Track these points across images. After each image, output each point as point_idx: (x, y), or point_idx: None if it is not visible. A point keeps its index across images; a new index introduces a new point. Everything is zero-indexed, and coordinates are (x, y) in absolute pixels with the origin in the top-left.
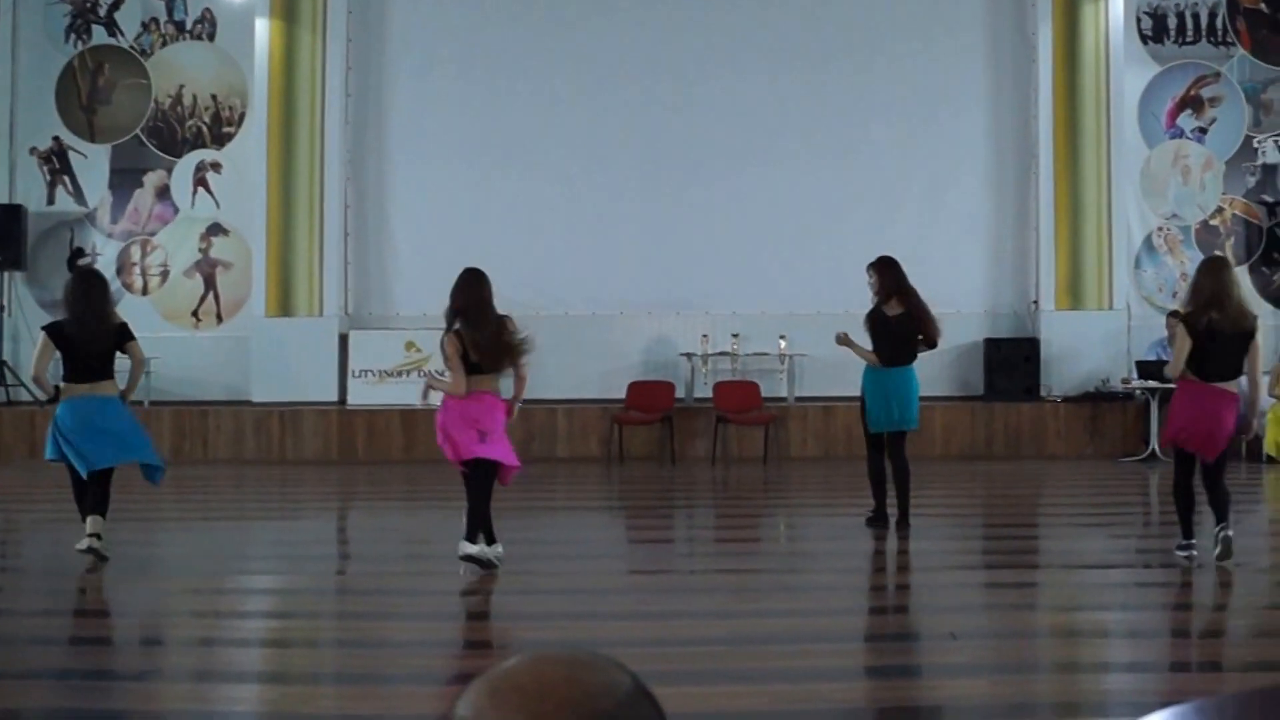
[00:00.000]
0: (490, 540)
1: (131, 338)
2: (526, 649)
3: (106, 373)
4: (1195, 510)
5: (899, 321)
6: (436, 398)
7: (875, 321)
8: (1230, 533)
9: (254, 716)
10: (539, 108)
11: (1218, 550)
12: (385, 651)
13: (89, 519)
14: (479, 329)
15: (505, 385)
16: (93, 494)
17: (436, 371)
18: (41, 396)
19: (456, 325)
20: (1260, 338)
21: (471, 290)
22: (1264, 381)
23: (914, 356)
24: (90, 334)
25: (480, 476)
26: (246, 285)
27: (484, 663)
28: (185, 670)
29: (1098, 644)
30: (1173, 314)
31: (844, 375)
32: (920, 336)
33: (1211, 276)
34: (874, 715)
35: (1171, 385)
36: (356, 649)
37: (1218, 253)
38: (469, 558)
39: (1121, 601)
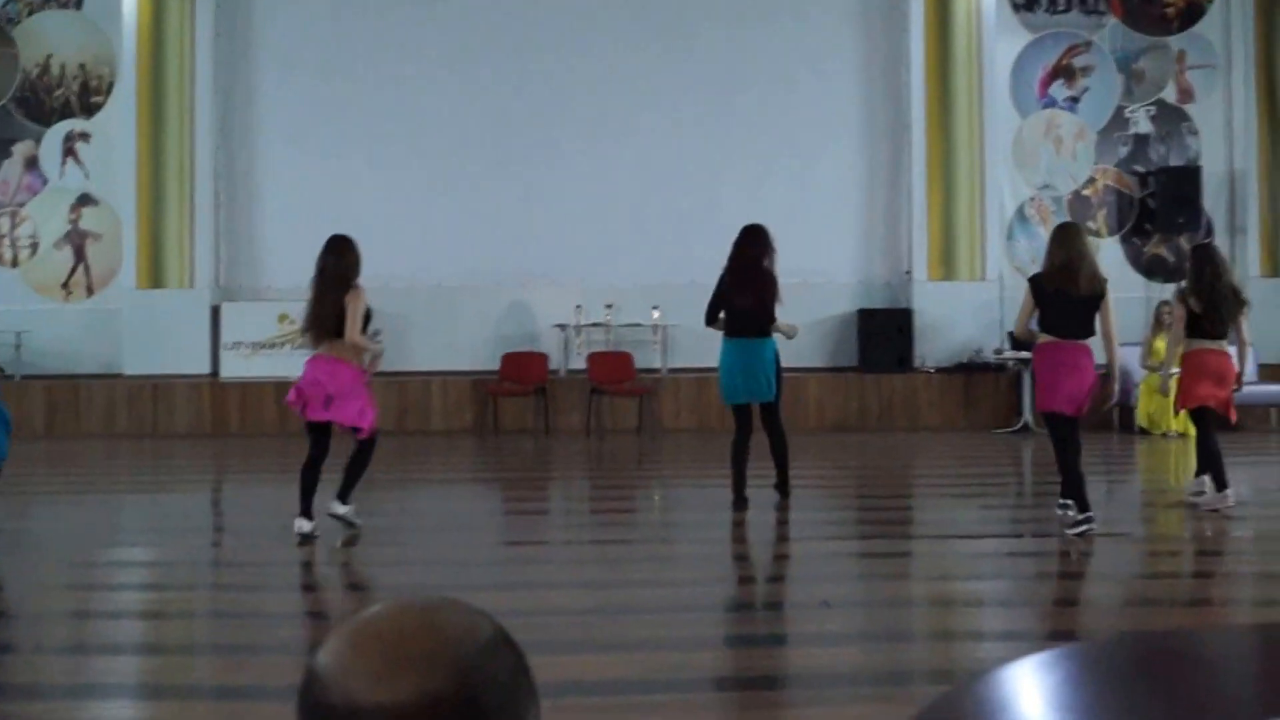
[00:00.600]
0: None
1: None
2: (386, 597)
3: None
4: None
5: (736, 287)
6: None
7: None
8: (1081, 528)
9: (130, 688)
10: (409, 77)
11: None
12: (259, 622)
13: None
14: (312, 292)
15: None
16: None
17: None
18: None
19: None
20: (1111, 299)
21: (321, 256)
22: (1120, 343)
23: (763, 330)
24: None
25: (319, 440)
26: (117, 257)
27: None
28: (60, 643)
29: (970, 613)
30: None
31: (717, 346)
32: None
33: (1064, 243)
34: (747, 683)
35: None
36: (231, 620)
37: (1069, 219)
38: (307, 535)
39: (994, 571)
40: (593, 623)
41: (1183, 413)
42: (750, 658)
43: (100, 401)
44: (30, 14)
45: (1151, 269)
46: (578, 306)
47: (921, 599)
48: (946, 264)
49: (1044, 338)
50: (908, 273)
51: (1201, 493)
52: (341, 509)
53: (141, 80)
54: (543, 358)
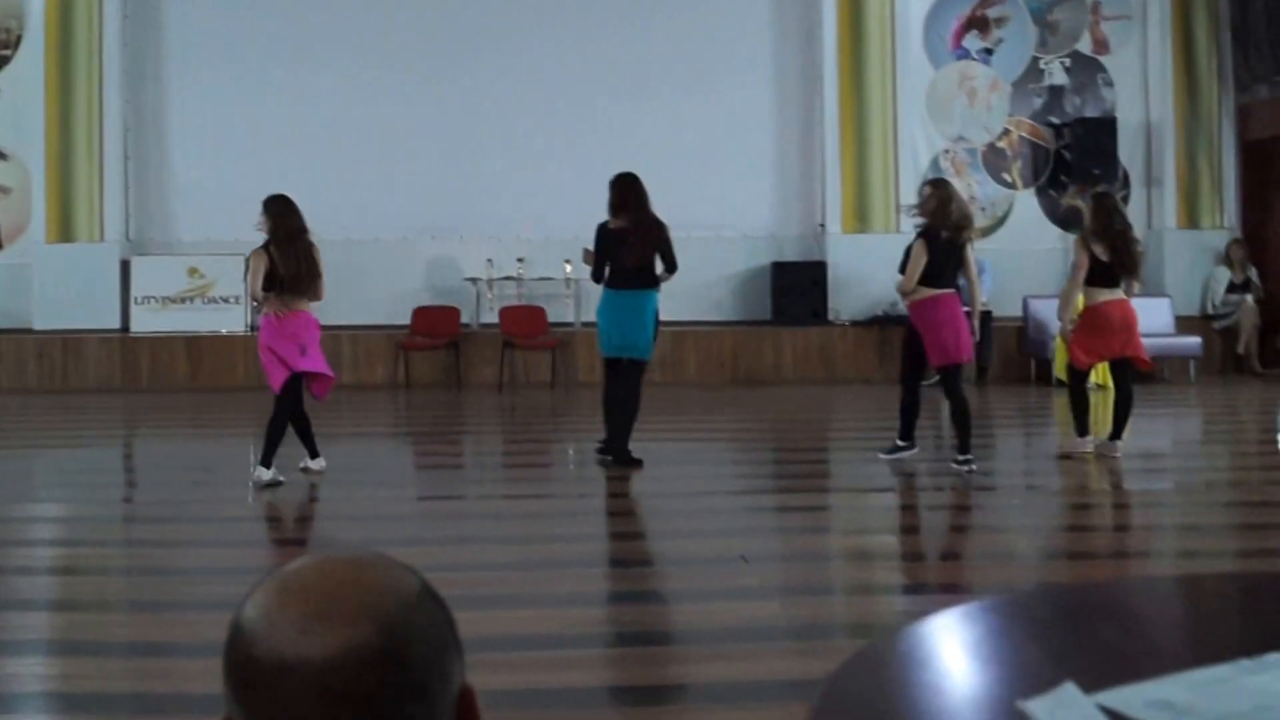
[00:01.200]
0: (314, 454)
1: None
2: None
3: None
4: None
5: (620, 237)
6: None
7: (598, 236)
8: (973, 467)
9: (43, 644)
10: (316, 30)
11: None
12: (174, 579)
13: None
14: (288, 253)
15: None
16: None
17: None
18: None
19: (268, 245)
20: (971, 248)
21: (286, 218)
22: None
23: (647, 281)
24: None
25: (292, 396)
26: (26, 211)
27: None
28: None
29: (888, 567)
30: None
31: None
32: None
33: (953, 196)
34: (665, 638)
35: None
36: (145, 576)
37: (939, 176)
38: (268, 484)
39: (911, 525)
40: (511, 578)
41: (1102, 364)
42: (669, 613)
43: (10, 357)
44: None
45: (1067, 221)
46: (489, 260)
47: (839, 553)
48: (860, 217)
49: (929, 292)
50: (821, 226)
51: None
52: (267, 475)
53: (49, 34)
54: (455, 312)
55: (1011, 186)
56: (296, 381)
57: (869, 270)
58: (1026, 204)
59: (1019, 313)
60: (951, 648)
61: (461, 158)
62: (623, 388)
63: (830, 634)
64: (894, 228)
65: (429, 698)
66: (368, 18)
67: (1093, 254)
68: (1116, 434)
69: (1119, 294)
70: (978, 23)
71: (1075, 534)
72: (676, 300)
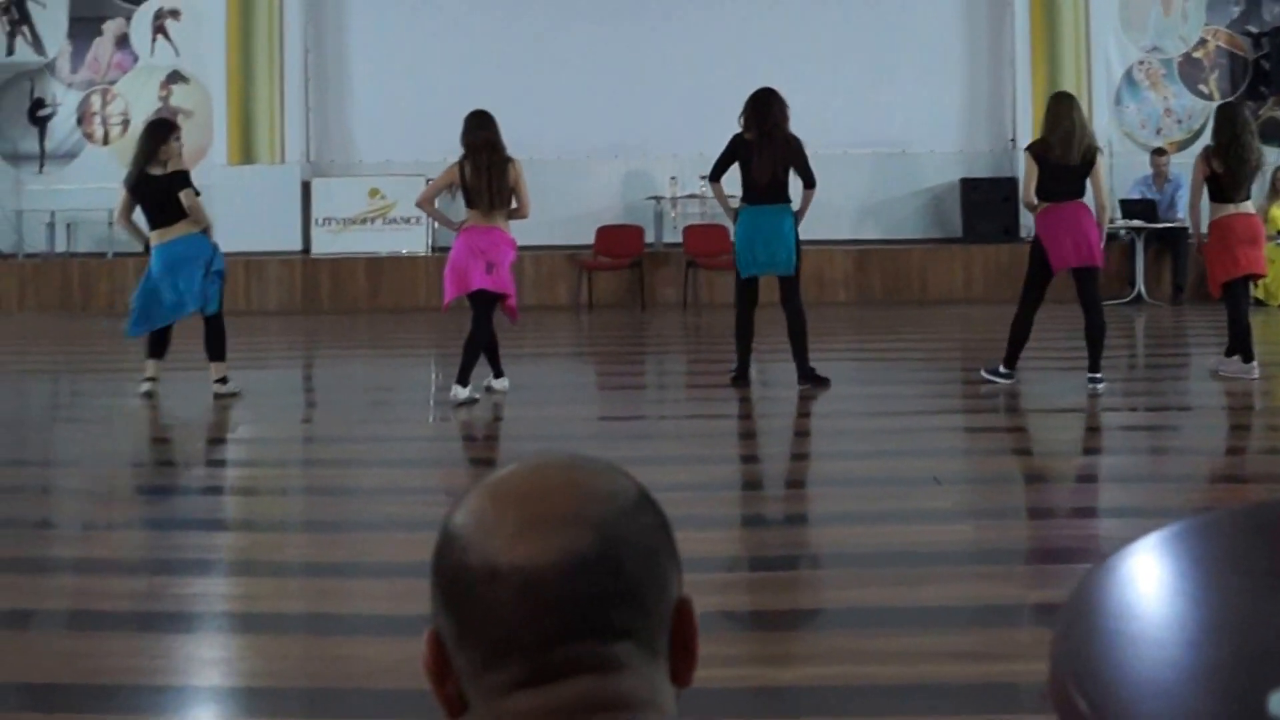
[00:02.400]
0: (498, 374)
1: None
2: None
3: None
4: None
5: (751, 150)
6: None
7: (730, 144)
8: (1098, 387)
9: (223, 564)
10: None
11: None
12: (354, 499)
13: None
14: (473, 167)
15: None
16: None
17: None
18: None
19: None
20: (1100, 165)
21: (473, 131)
22: (1110, 202)
23: (779, 196)
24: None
25: (482, 312)
26: (207, 134)
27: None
28: (151, 519)
29: (1085, 489)
30: (1157, 150)
31: (815, 219)
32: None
33: (1064, 112)
34: (862, 559)
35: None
36: (324, 496)
37: (1065, 89)
38: (462, 402)
39: (1108, 445)
40: (695, 499)
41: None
42: (858, 535)
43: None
44: None
45: (1266, 133)
46: (673, 178)
47: (1033, 475)
48: None
49: (1047, 204)
50: (1012, 140)
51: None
52: (463, 393)
53: None
54: (638, 231)
55: (1208, 98)
56: (487, 299)
57: None
58: None
59: None
60: (1192, 561)
61: (644, 74)
62: (785, 308)
63: (1025, 558)
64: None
65: (645, 605)
66: None
67: (1211, 168)
68: (1246, 356)
69: (1245, 208)
70: None
71: (1272, 456)
72: (861, 218)
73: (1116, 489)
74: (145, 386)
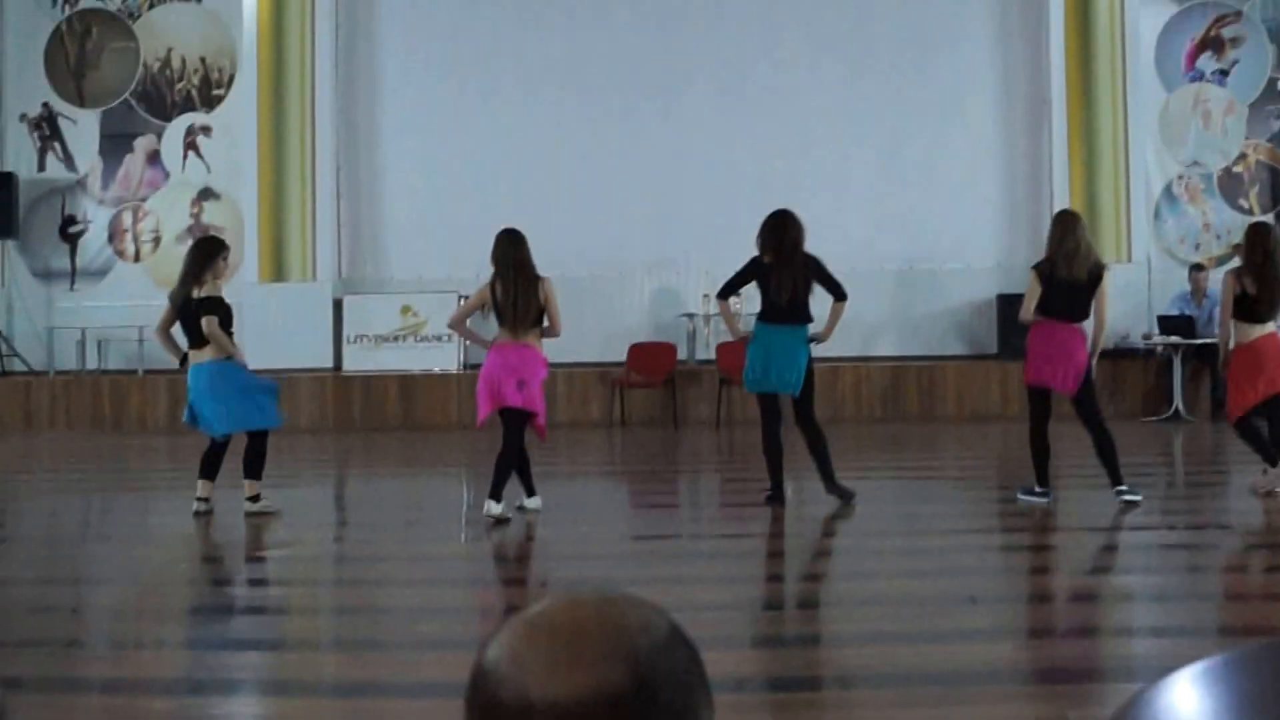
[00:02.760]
0: (530, 492)
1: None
2: (558, 591)
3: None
4: (1051, 457)
5: (769, 271)
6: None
7: (749, 264)
8: (1130, 497)
9: (254, 684)
10: (532, 66)
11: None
12: (386, 618)
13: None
14: (506, 283)
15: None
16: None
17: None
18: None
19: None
20: (1107, 283)
21: (504, 249)
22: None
23: (799, 316)
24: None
25: (513, 429)
26: (238, 250)
27: (488, 628)
28: (181, 639)
29: (1121, 608)
30: (1196, 266)
31: (850, 335)
32: (809, 290)
33: (1068, 229)
34: (901, 680)
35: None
36: (357, 615)
37: (1068, 207)
38: (496, 518)
39: (1144, 564)
40: (729, 619)
41: None
42: (896, 654)
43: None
44: (151, 7)
45: None
46: (705, 295)
47: (1068, 593)
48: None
49: (1040, 318)
50: None
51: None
52: (496, 508)
53: (262, 72)
54: (671, 348)
55: (1249, 212)
56: (518, 416)
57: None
58: None
59: None
60: (1235, 696)
61: (676, 191)
62: (801, 426)
63: (1064, 678)
64: (1125, 256)
65: None
66: (583, 53)
67: (1242, 287)
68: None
69: (1270, 329)
70: (1212, 43)
71: None
72: (897, 334)
73: (1155, 607)
74: (196, 506)
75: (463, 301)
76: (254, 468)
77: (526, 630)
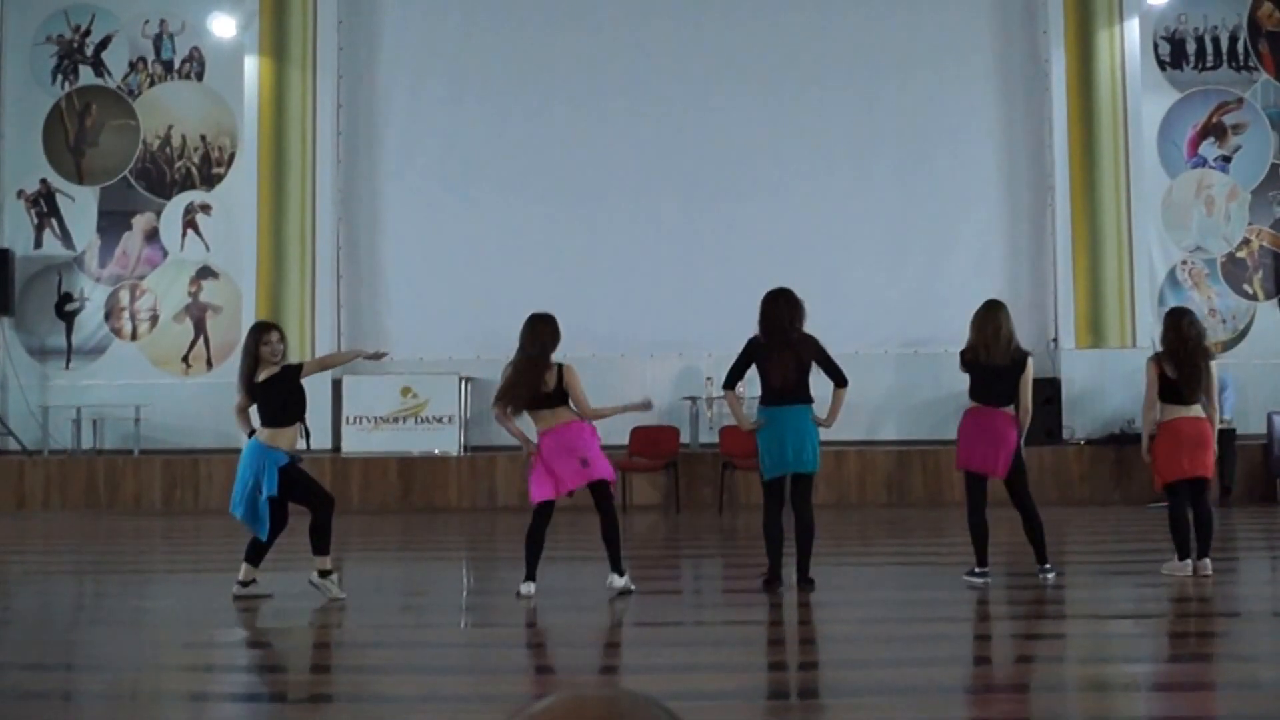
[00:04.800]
0: (617, 570)
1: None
2: (562, 688)
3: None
4: (989, 539)
5: (770, 352)
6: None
7: (747, 347)
8: (1050, 576)
9: None
10: (533, 144)
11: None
12: (386, 706)
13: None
14: (515, 364)
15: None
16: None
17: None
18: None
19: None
20: (1030, 369)
21: (525, 335)
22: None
23: (800, 397)
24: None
25: (603, 502)
26: (237, 330)
27: (490, 717)
28: None
29: (1131, 698)
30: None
31: (854, 420)
32: (809, 368)
33: (988, 320)
34: None
35: (1218, 427)
36: (357, 704)
37: (993, 297)
38: (624, 590)
39: (1159, 651)
40: (734, 708)
41: None
42: None
43: (220, 477)
44: (151, 85)
45: None
46: (709, 379)
47: (1081, 682)
48: (1095, 331)
49: (970, 404)
50: (1054, 340)
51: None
52: (620, 581)
53: (263, 152)
54: (674, 431)
55: (1253, 298)
56: (600, 488)
57: (1105, 386)
58: (1269, 316)
59: (1263, 429)
60: None
61: (681, 275)
62: (798, 508)
63: None
64: (1129, 342)
65: None
66: (577, 134)
67: (1162, 371)
68: (1203, 552)
69: (1194, 411)
70: (1214, 129)
71: None
72: (902, 419)
73: (1158, 698)
74: (236, 589)
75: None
76: (251, 551)
77: None
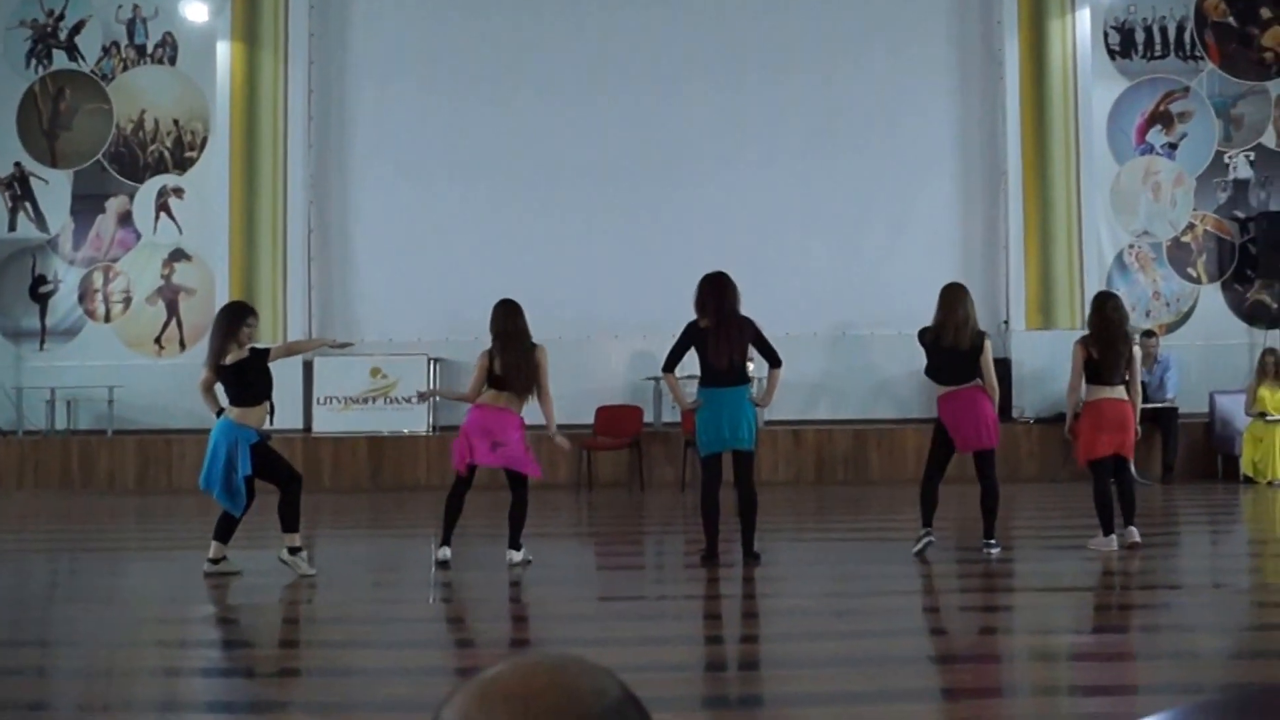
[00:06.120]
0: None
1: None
2: (511, 656)
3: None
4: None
5: (706, 336)
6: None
7: (685, 332)
8: (995, 551)
9: None
10: (501, 129)
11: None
12: (355, 680)
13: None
14: (506, 352)
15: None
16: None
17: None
18: None
19: (491, 347)
20: (988, 350)
21: (500, 320)
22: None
23: (738, 378)
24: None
25: (515, 486)
26: (209, 311)
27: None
28: (152, 701)
29: (1077, 667)
30: (1147, 333)
31: (815, 398)
32: (746, 351)
33: (946, 302)
34: None
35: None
36: (326, 677)
37: (955, 280)
38: (523, 562)
39: (1100, 623)
40: (695, 679)
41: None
42: (856, 714)
43: (192, 457)
44: (125, 69)
45: (1254, 315)
46: None
47: (1026, 652)
48: (1045, 312)
49: (940, 389)
50: (1005, 322)
51: (1136, 543)
52: (517, 556)
53: (235, 135)
54: (638, 411)
55: (1196, 281)
56: (512, 474)
57: (1054, 366)
58: (1212, 299)
59: (1205, 409)
60: None
61: (643, 255)
62: (739, 485)
63: None
64: (1079, 324)
65: None
66: (547, 118)
67: (1088, 353)
68: (1128, 520)
69: (1117, 393)
70: (1161, 118)
71: (1263, 633)
72: (857, 398)
73: (1103, 667)
74: (207, 567)
75: (472, 379)
76: (220, 529)
77: (480, 695)
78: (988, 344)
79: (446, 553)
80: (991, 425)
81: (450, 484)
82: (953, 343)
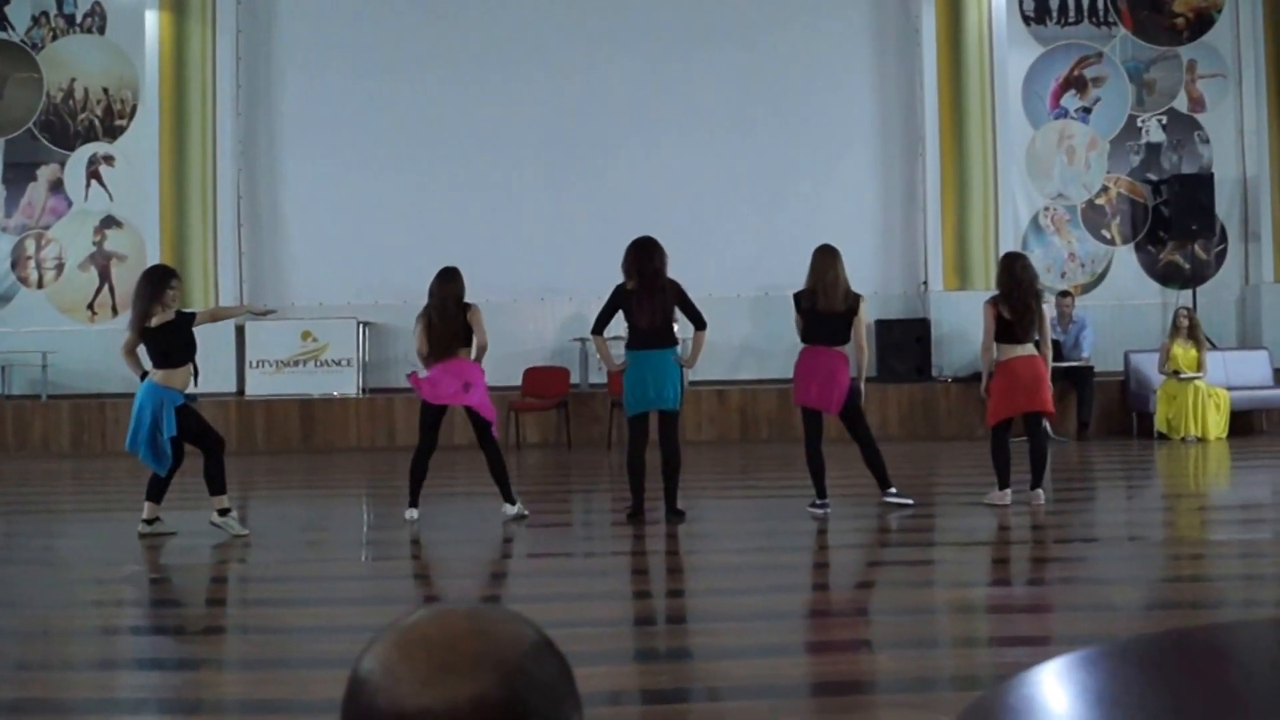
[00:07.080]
0: (509, 500)
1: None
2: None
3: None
4: (826, 472)
5: (635, 297)
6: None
7: (613, 295)
8: (899, 500)
9: (159, 703)
10: (428, 95)
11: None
12: (289, 637)
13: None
14: (436, 316)
15: None
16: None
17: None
18: None
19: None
20: (863, 312)
21: (438, 284)
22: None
23: (664, 340)
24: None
25: (485, 441)
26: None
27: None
28: (88, 660)
29: (995, 619)
30: (1062, 293)
31: (741, 359)
32: (672, 313)
33: (818, 265)
34: (781, 691)
35: (1075, 364)
36: (260, 634)
37: (828, 243)
38: (518, 516)
39: (1019, 575)
40: (621, 634)
41: (1215, 416)
42: (781, 666)
43: (125, 421)
44: (54, 39)
45: (1167, 276)
46: None
47: (946, 606)
48: (962, 274)
49: (805, 346)
50: (924, 284)
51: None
52: (511, 510)
53: (164, 103)
54: (564, 372)
55: (1110, 243)
56: (481, 427)
57: (971, 327)
58: (1125, 260)
59: (1120, 367)
60: (1071, 693)
61: (569, 220)
62: (663, 444)
63: (940, 686)
64: (994, 285)
65: None
66: (473, 83)
67: (999, 312)
68: (1036, 483)
69: (1028, 350)
70: (1075, 82)
71: (1177, 585)
72: (779, 357)
73: (1021, 619)
74: (142, 528)
75: (417, 332)
76: (151, 489)
77: (399, 641)
78: (863, 306)
79: (414, 514)
80: (838, 394)
81: (415, 447)
82: (827, 306)
